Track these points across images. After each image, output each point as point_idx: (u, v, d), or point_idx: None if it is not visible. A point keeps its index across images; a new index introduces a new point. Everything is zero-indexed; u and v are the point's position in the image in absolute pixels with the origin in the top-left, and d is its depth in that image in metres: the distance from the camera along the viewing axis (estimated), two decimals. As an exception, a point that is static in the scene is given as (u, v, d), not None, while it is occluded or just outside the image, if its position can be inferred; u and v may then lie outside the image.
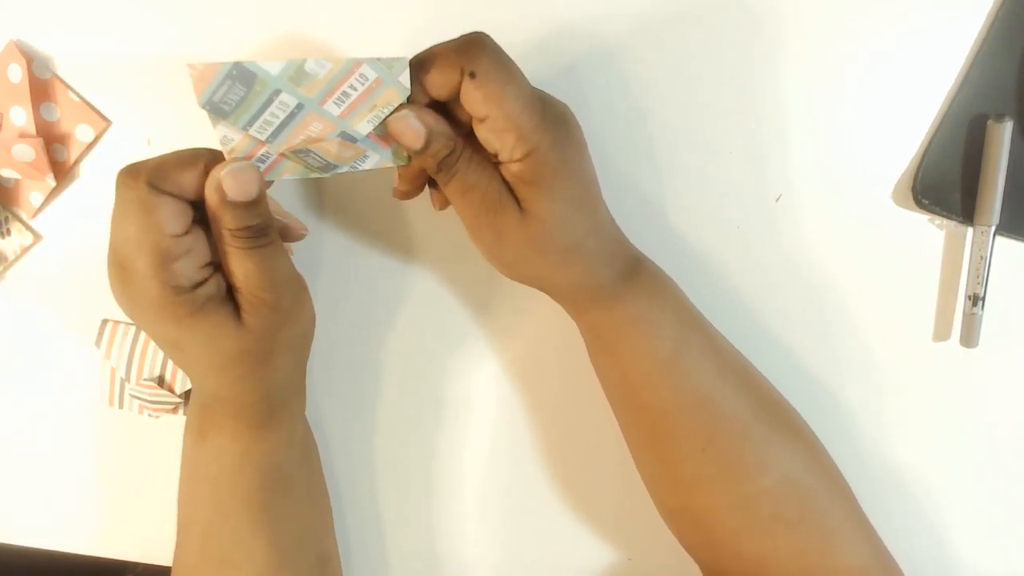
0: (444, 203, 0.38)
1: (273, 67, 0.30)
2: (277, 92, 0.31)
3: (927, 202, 0.41)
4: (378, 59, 0.31)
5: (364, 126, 0.33)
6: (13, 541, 0.49)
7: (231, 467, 0.37)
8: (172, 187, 0.32)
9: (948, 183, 0.40)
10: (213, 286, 0.34)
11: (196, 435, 0.38)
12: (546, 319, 0.44)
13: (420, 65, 0.32)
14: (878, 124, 0.41)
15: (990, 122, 0.39)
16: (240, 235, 0.33)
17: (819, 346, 0.43)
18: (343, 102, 0.32)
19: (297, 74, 0.30)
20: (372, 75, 0.31)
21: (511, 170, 0.34)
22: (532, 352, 0.45)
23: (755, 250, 0.42)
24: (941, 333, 0.43)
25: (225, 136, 0.32)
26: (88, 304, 0.45)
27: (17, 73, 0.41)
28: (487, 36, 0.33)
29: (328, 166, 0.35)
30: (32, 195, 0.44)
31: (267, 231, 0.33)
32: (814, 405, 0.39)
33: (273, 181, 0.35)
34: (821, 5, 0.40)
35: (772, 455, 0.37)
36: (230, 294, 0.34)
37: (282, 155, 0.33)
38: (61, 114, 0.43)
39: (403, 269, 0.44)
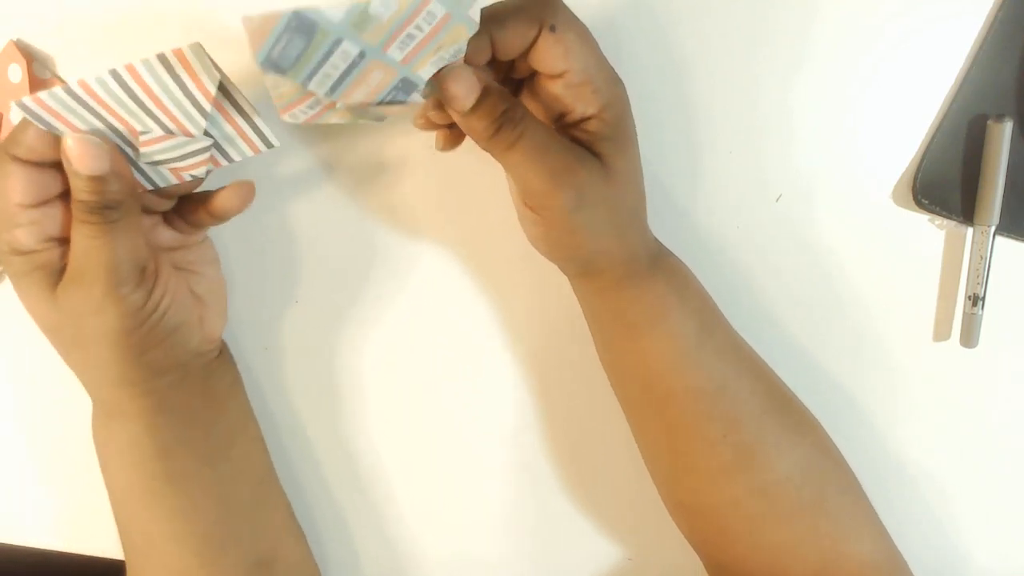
0: (452, 143, 0.36)
1: (335, 14, 0.27)
2: (339, 42, 0.28)
3: (927, 202, 0.41)
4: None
5: (427, 70, 0.30)
6: (13, 541, 0.49)
7: (106, 454, 0.38)
8: (24, 152, 0.32)
9: (948, 183, 0.40)
10: (52, 255, 0.34)
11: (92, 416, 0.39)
12: (548, 315, 0.44)
13: (494, 19, 0.31)
14: (878, 124, 0.41)
15: (990, 122, 0.39)
16: (80, 207, 0.32)
17: (818, 346, 0.43)
18: (407, 45, 0.29)
19: (361, 19, 0.27)
20: (441, 11, 0.28)
21: (585, 128, 0.33)
22: (532, 350, 0.45)
23: (755, 250, 0.42)
24: (941, 333, 0.43)
25: (275, 82, 0.29)
26: (88, 304, 0.45)
27: (17, 73, 0.41)
28: None
29: (379, 117, 0.34)
30: (32, 195, 0.44)
31: (109, 211, 0.33)
32: (813, 404, 0.39)
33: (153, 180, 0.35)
34: (821, 5, 0.40)
35: (787, 443, 0.37)
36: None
37: (333, 104, 0.31)
38: (61, 114, 0.42)
39: (399, 259, 0.44)
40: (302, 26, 0.27)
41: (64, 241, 0.34)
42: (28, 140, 0.32)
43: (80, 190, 0.32)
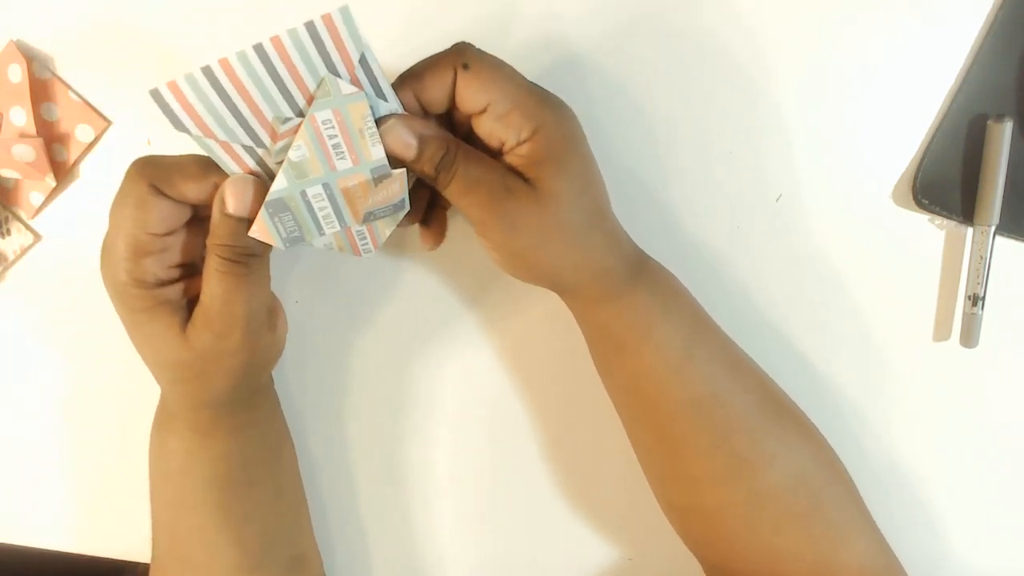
0: (436, 242, 0.39)
1: (281, 183, 0.32)
2: (304, 193, 0.33)
3: (927, 202, 0.41)
4: (313, 97, 0.31)
5: (376, 151, 0.33)
6: (13, 541, 0.49)
7: (182, 466, 0.38)
8: (174, 193, 0.33)
9: (948, 183, 0.40)
10: (175, 291, 0.35)
11: (155, 429, 0.39)
12: (545, 313, 0.44)
13: (412, 76, 0.33)
14: (878, 124, 0.41)
15: (990, 122, 0.39)
16: (221, 252, 0.33)
17: (819, 346, 0.43)
18: (342, 152, 0.32)
19: (295, 169, 0.32)
20: (327, 112, 0.31)
21: (520, 153, 0.34)
22: (530, 349, 0.45)
23: (755, 250, 0.42)
24: (941, 333, 0.43)
25: (337, 243, 0.35)
26: (88, 304, 0.45)
27: (17, 73, 0.41)
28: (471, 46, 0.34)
29: (403, 201, 0.36)
30: (32, 195, 0.44)
31: (249, 260, 0.33)
32: (813, 404, 0.39)
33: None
34: (822, 5, 0.40)
35: (781, 450, 0.37)
36: (191, 305, 0.35)
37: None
38: (61, 114, 0.43)
39: (392, 263, 0.44)
40: (277, 207, 0.32)
41: (183, 270, 0.35)
42: (185, 189, 0.33)
43: (227, 234, 0.33)
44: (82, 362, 0.46)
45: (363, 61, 0.31)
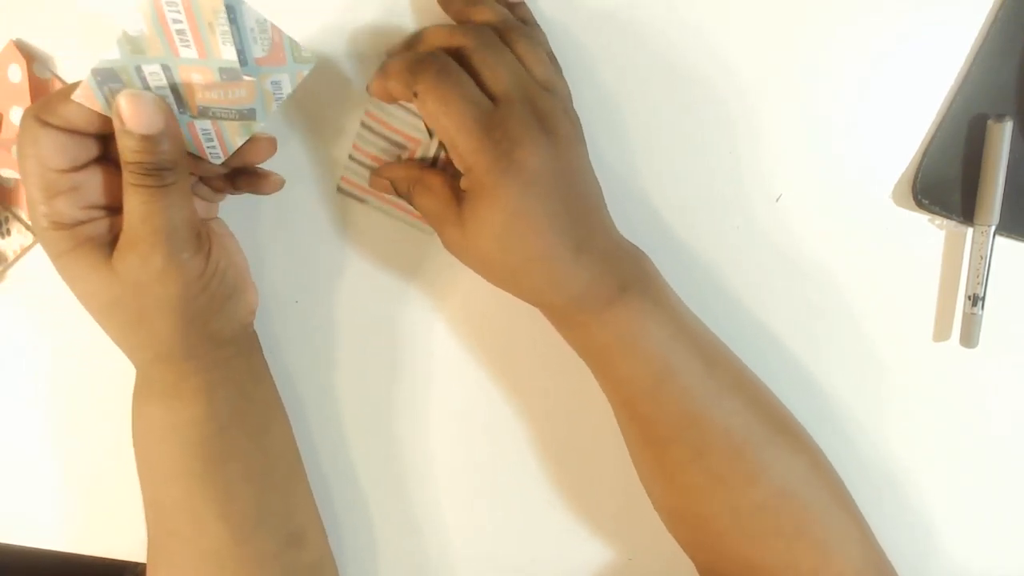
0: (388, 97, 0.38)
1: (113, 53, 0.31)
2: (139, 68, 0.32)
3: (927, 202, 0.41)
4: None
5: (227, 51, 0.32)
6: (13, 541, 0.49)
7: (158, 433, 0.38)
8: (57, 120, 0.32)
9: (948, 183, 0.40)
10: (98, 227, 0.34)
11: (134, 401, 0.39)
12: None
13: (382, 73, 0.35)
14: (878, 124, 0.41)
15: (990, 122, 0.39)
16: (133, 169, 0.32)
17: (818, 347, 0.43)
18: (187, 40, 0.31)
19: (133, 44, 0.31)
20: None
21: (463, 180, 0.35)
22: (531, 348, 0.45)
23: (755, 250, 0.42)
24: (941, 333, 0.43)
25: None
26: (88, 304, 0.45)
27: (17, 73, 0.41)
28: (437, 55, 0.34)
29: (252, 111, 0.35)
30: (32, 195, 0.44)
31: (164, 173, 0.33)
32: (813, 405, 0.40)
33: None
34: (821, 5, 0.40)
35: (769, 468, 0.36)
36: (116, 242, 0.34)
37: (192, 122, 0.34)
38: (61, 114, 0.42)
39: (398, 261, 0.44)
40: (106, 76, 0.31)
41: (107, 210, 0.35)
42: (66, 112, 0.32)
43: (132, 151, 0.32)
44: (81, 362, 0.46)
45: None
